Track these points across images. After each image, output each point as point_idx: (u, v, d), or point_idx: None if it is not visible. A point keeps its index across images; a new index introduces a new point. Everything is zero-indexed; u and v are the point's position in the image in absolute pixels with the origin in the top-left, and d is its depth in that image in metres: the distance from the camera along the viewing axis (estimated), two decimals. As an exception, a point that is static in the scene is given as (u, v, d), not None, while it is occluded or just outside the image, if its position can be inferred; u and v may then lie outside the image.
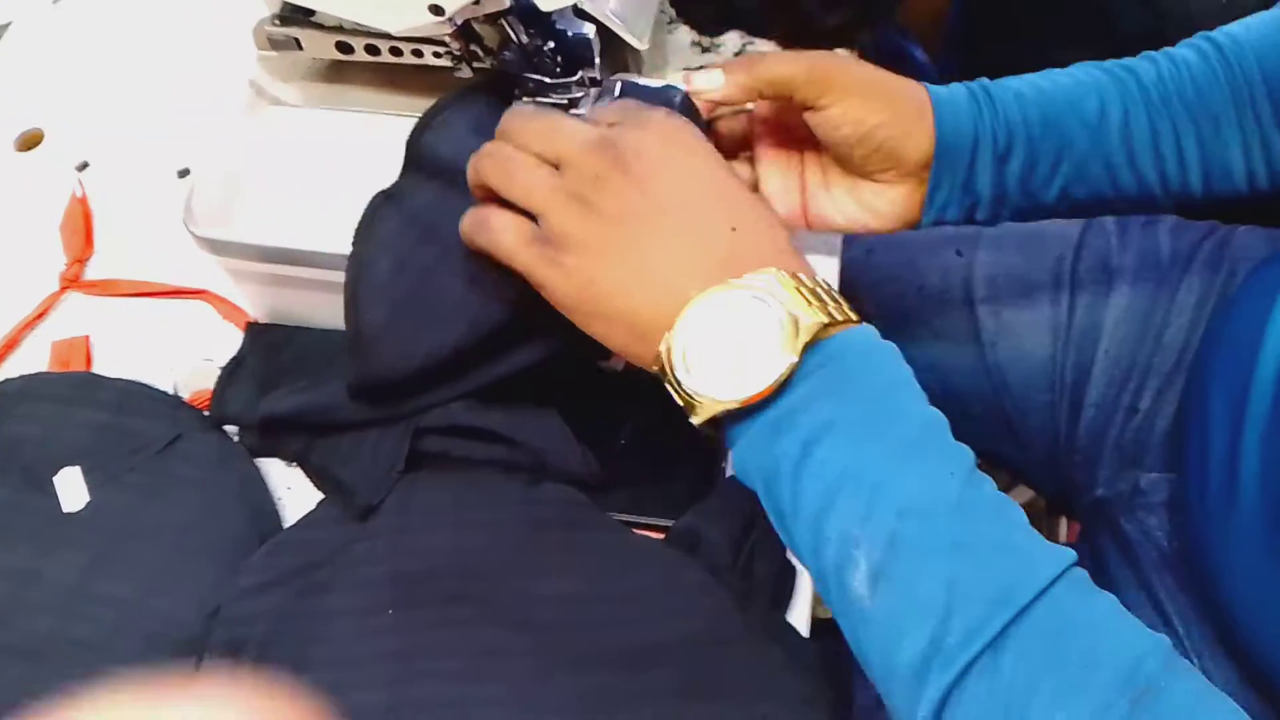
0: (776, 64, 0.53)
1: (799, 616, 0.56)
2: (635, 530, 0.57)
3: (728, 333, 0.41)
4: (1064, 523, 0.94)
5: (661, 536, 0.57)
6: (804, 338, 0.39)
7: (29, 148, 0.76)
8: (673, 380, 0.42)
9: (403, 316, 0.52)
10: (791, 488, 0.40)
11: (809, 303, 0.40)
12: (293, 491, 0.62)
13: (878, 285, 0.78)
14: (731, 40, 0.77)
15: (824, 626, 0.49)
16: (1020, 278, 0.76)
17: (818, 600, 0.52)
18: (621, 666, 0.52)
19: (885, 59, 1.02)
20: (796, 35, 0.75)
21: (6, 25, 0.81)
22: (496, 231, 0.46)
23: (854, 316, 0.42)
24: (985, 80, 0.57)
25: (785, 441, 0.40)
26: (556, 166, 0.45)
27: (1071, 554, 0.38)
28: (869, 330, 0.42)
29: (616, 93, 0.57)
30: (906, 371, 0.41)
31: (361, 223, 0.53)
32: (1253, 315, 0.61)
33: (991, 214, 0.57)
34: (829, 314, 0.40)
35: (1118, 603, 0.38)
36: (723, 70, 0.53)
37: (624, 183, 0.44)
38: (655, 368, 0.43)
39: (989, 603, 0.36)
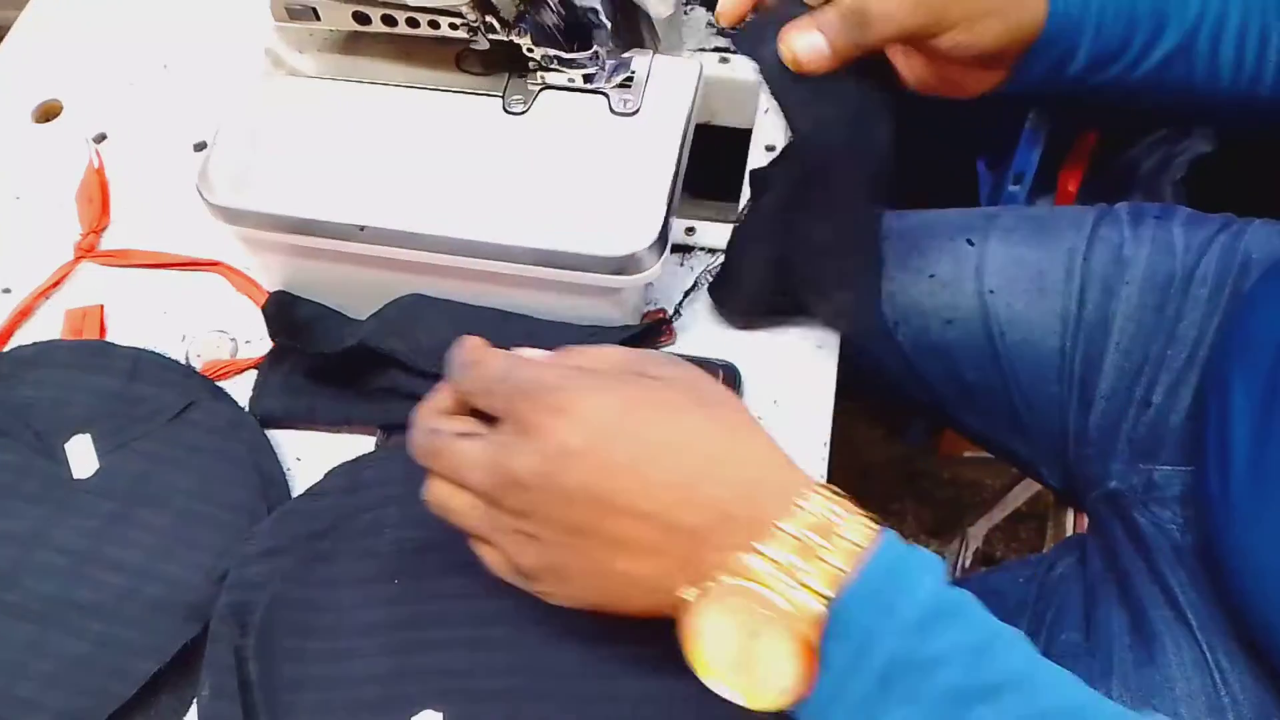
0: (886, 22, 0.48)
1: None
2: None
3: (740, 641, 0.41)
4: (1071, 514, 0.93)
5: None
6: (817, 631, 0.39)
7: (47, 119, 0.76)
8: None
9: None
10: None
11: (805, 586, 0.39)
12: (302, 463, 0.62)
13: (889, 272, 0.78)
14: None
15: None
16: (1032, 268, 0.75)
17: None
18: (627, 638, 0.52)
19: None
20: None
21: (27, -3, 0.81)
22: (488, 561, 0.47)
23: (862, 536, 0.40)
24: None
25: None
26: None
27: None
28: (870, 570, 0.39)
29: (631, 68, 0.57)
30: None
31: None
32: (1274, 312, 0.60)
33: (1069, 90, 0.55)
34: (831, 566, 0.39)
35: None
36: (821, 33, 0.48)
37: (547, 503, 0.42)
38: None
39: None
